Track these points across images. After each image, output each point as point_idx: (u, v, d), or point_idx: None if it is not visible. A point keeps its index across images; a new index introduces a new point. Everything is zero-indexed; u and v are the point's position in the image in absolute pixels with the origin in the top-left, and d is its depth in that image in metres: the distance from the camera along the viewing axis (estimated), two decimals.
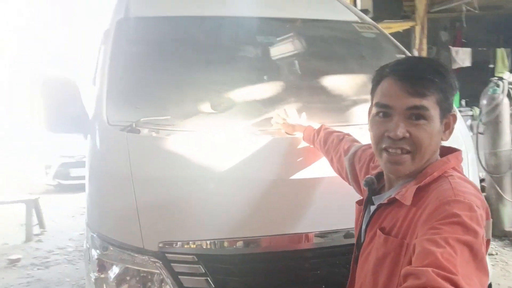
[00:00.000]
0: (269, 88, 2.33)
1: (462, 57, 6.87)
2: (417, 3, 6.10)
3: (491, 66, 7.27)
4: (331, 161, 1.84)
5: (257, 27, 2.69)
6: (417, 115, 1.19)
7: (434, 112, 1.20)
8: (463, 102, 7.35)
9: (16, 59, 9.73)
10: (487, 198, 5.34)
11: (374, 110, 1.28)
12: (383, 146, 1.24)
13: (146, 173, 1.82)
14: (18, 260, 5.35)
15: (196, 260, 1.76)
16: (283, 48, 2.68)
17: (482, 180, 5.51)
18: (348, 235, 1.82)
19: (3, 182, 9.39)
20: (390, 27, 6.48)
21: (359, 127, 2.14)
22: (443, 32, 9.65)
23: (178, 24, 2.60)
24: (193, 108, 2.14)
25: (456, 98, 6.17)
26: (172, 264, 1.76)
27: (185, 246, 1.76)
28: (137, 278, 1.80)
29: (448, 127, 1.28)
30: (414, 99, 1.19)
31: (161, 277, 1.77)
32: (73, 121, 2.14)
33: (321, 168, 1.92)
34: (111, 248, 1.82)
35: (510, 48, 8.25)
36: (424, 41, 6.24)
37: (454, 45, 8.80)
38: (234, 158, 1.89)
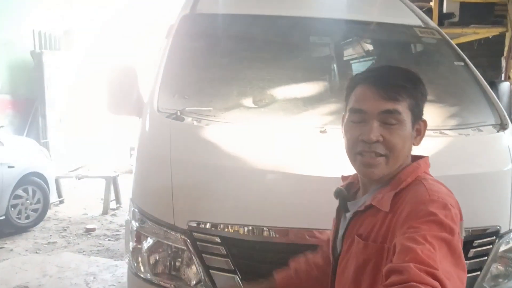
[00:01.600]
0: (314, 88, 2.40)
1: None
2: (509, 7, 5.71)
3: None
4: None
5: (315, 28, 2.76)
6: (390, 119, 1.23)
7: (406, 117, 1.24)
8: None
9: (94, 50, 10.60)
10: None
11: (348, 115, 1.32)
12: (358, 150, 1.27)
13: (183, 157, 1.99)
14: (93, 229, 5.89)
15: (220, 241, 1.89)
16: (338, 50, 2.72)
17: None
18: None
19: (92, 161, 10.26)
20: (477, 33, 6.13)
21: None
22: None
23: (237, 22, 2.73)
24: (235, 101, 2.27)
25: None
26: (198, 242, 1.91)
27: (211, 227, 1.90)
28: (167, 252, 1.98)
29: (419, 133, 1.31)
30: (387, 103, 1.23)
31: (188, 253, 1.93)
32: (131, 105, 2.38)
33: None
34: (148, 222, 2.01)
35: None
36: None
37: None
38: (266, 151, 2.00)
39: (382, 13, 2.97)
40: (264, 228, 1.89)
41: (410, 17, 2.99)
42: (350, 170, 1.89)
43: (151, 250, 2.01)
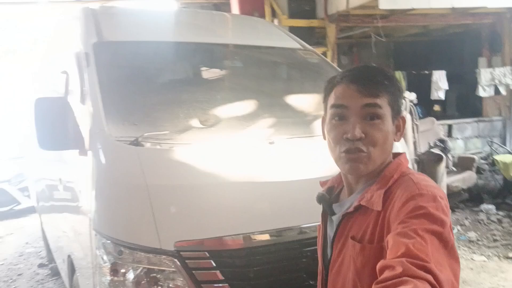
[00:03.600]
0: (244, 106, 2.64)
1: None
2: (328, 31, 6.81)
3: None
4: None
5: (221, 52, 3.01)
6: (371, 114, 1.25)
7: (387, 111, 1.26)
8: None
9: None
10: None
11: (329, 114, 1.31)
12: (343, 149, 1.26)
13: (159, 181, 2.03)
14: None
15: (208, 256, 2.00)
16: (247, 71, 3.02)
17: None
18: None
19: None
20: None
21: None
22: (343, 57, 10.74)
23: (150, 48, 2.80)
24: (184, 124, 2.38)
25: None
26: (186, 261, 1.97)
27: (198, 244, 1.99)
28: (154, 277, 1.98)
29: (399, 129, 1.33)
30: (368, 98, 1.24)
31: (177, 273, 1.98)
32: (67, 138, 2.26)
33: (308, 171, 2.26)
34: (126, 251, 1.98)
35: (405, 71, 9.49)
36: (335, 64, 6.95)
37: None
38: (232, 165, 2.18)
39: (272, 38, 3.38)
40: (247, 234, 2.06)
41: (291, 41, 3.46)
42: (308, 173, 2.22)
43: (136, 279, 1.98)
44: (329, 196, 1.45)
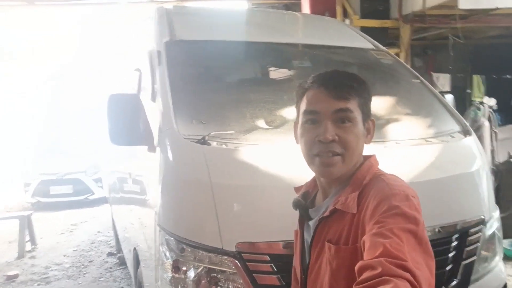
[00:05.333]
0: None
1: (443, 82, 7.42)
2: (401, 32, 6.55)
3: (468, 91, 7.86)
4: None
5: (289, 53, 2.97)
6: (343, 118, 1.28)
7: (358, 115, 1.30)
8: None
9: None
10: None
11: (302, 119, 1.34)
12: (315, 152, 1.30)
13: (223, 180, 2.02)
14: (16, 276, 5.33)
15: (269, 259, 1.96)
16: (316, 71, 2.94)
17: None
18: None
19: None
20: None
21: (395, 142, 2.41)
22: (416, 59, 10.28)
23: (220, 48, 2.82)
24: (251, 124, 2.35)
25: None
26: (247, 263, 1.94)
27: (260, 246, 1.95)
28: (214, 277, 1.98)
29: (369, 132, 1.37)
30: (339, 102, 1.28)
31: (236, 275, 1.96)
32: (137, 135, 2.32)
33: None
34: (188, 249, 1.99)
35: (484, 75, 8.93)
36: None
37: (426, 71, 9.41)
38: (301, 169, 2.11)
39: (345, 38, 3.30)
40: None
41: (363, 42, 3.36)
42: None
43: (196, 277, 1.98)
44: (305, 201, 1.47)
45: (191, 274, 1.98)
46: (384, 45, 6.80)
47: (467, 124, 2.81)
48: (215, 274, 1.98)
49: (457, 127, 2.76)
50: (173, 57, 2.61)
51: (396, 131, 2.55)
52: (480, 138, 5.50)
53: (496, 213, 2.62)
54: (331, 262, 1.26)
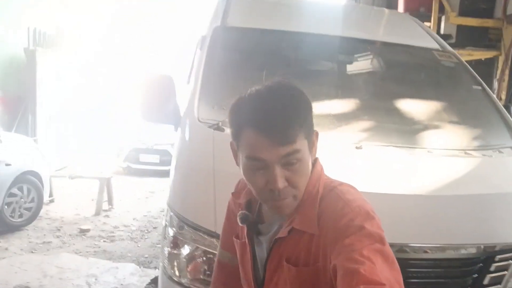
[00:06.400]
0: (343, 104, 2.49)
1: None
2: (504, 33, 5.94)
3: None
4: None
5: (340, 46, 2.86)
6: (291, 160, 1.15)
7: (304, 148, 1.17)
8: None
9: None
10: None
11: (245, 162, 1.19)
12: (266, 197, 1.20)
13: (225, 167, 2.04)
14: (88, 230, 5.86)
15: None
16: (362, 69, 2.82)
17: None
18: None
19: (80, 160, 10.18)
20: (472, 55, 6.34)
21: (427, 150, 2.25)
22: None
23: (268, 37, 2.81)
24: None
25: None
26: None
27: None
28: (205, 258, 2.03)
29: (313, 145, 1.23)
30: (286, 147, 1.13)
31: None
32: (166, 114, 2.43)
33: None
34: (186, 228, 2.06)
35: None
36: (507, 72, 6.05)
37: None
38: None
39: (404, 35, 3.09)
40: None
41: (428, 40, 3.12)
42: (389, 184, 1.99)
43: (189, 255, 2.05)
44: (250, 212, 1.38)
45: (186, 251, 2.05)
46: (481, 47, 6.32)
47: None
48: (208, 255, 2.03)
49: (510, 142, 2.49)
50: (217, 43, 2.66)
51: (433, 138, 2.37)
52: None
53: None
54: (293, 282, 1.23)
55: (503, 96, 6.05)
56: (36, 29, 9.27)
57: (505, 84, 6.03)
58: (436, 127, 2.49)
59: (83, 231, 5.80)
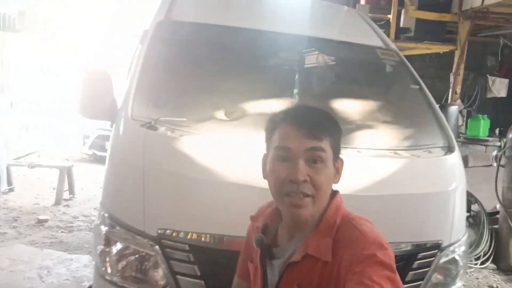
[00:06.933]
0: (275, 102, 2.52)
1: (498, 87, 6.82)
2: (460, 28, 6.08)
3: None
4: None
5: (283, 43, 2.88)
6: (315, 157, 1.26)
7: (329, 155, 1.29)
8: (497, 131, 7.29)
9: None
10: (498, 231, 5.36)
11: (273, 155, 1.32)
12: (286, 191, 1.27)
13: (155, 167, 2.07)
14: (46, 220, 5.80)
15: (188, 249, 2.00)
16: (302, 66, 2.86)
17: (495, 213, 5.53)
18: None
19: (44, 147, 10.00)
20: (430, 48, 6.49)
21: (357, 150, 2.31)
22: (490, 57, 9.52)
23: (212, 32, 2.81)
24: (208, 113, 2.37)
25: (485, 126, 6.12)
26: (166, 249, 2.00)
27: (180, 235, 1.99)
28: (135, 257, 2.06)
29: (338, 171, 1.35)
30: (312, 141, 1.26)
31: (155, 259, 2.02)
32: (103, 110, 2.42)
33: None
34: (117, 227, 2.08)
35: None
36: (462, 66, 6.21)
37: (500, 71, 8.69)
38: (235, 164, 2.11)
39: (348, 32, 3.14)
40: (230, 237, 2.00)
41: (372, 38, 3.18)
42: None
43: (119, 254, 2.07)
44: (265, 235, 1.43)
45: (115, 250, 2.08)
46: (440, 41, 6.46)
47: (454, 140, 2.61)
48: (137, 255, 2.06)
49: (440, 142, 2.58)
50: (158, 37, 2.65)
51: (364, 138, 2.44)
52: None
53: (464, 238, 2.45)
54: None
55: (458, 90, 6.23)
56: None
57: (460, 78, 6.20)
58: (369, 126, 2.56)
59: (40, 222, 5.74)
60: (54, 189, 7.01)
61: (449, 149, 2.54)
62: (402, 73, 3.00)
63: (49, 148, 10.12)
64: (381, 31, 3.32)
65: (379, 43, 3.14)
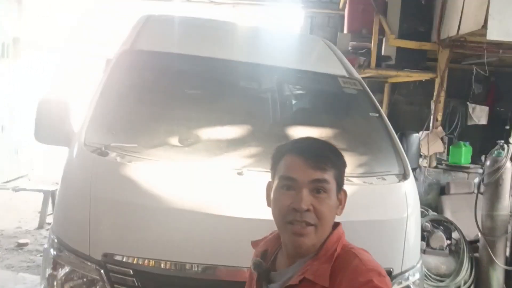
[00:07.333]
0: (238, 131, 2.57)
1: (479, 114, 6.90)
2: (439, 57, 6.18)
3: (507, 127, 7.25)
4: None
5: (242, 72, 2.96)
6: (319, 188, 1.32)
7: (333, 186, 1.35)
8: (483, 158, 7.31)
9: None
10: (478, 260, 5.33)
11: (278, 184, 1.37)
12: (289, 219, 1.31)
13: (102, 193, 2.10)
14: (26, 244, 5.79)
15: (132, 273, 2.02)
16: (263, 95, 2.92)
17: (475, 241, 5.51)
18: None
19: (33, 171, 10.03)
20: (410, 76, 6.58)
21: None
22: (477, 85, 9.61)
23: (173, 61, 2.89)
24: (162, 139, 2.42)
25: (467, 153, 6.11)
26: (111, 273, 2.02)
27: (124, 260, 2.02)
28: (81, 281, 2.08)
29: (341, 203, 1.41)
30: (316, 172, 1.32)
31: (101, 283, 2.04)
32: (60, 136, 2.47)
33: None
34: (65, 251, 2.11)
35: None
36: (443, 93, 6.29)
37: (487, 99, 8.77)
38: (183, 190, 2.15)
39: (311, 61, 3.22)
40: (174, 263, 2.03)
41: (337, 67, 3.25)
42: (263, 211, 2.06)
43: (66, 278, 2.10)
44: (264, 260, 1.47)
45: (62, 274, 2.10)
46: (420, 69, 6.54)
47: (409, 167, 2.64)
48: (83, 279, 2.08)
49: (395, 169, 2.62)
50: (120, 66, 2.73)
51: None
52: (498, 180, 5.08)
53: (418, 265, 2.46)
54: None
55: (439, 117, 6.28)
56: None
57: (441, 106, 6.26)
58: None
59: (20, 245, 5.73)
60: (39, 212, 7.00)
61: (403, 177, 2.57)
62: (362, 101, 3.05)
63: (39, 171, 10.13)
64: (345, 60, 3.40)
65: (342, 72, 3.21)
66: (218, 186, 2.19)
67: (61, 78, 11.25)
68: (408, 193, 2.49)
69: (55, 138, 2.47)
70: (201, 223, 2.07)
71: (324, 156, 1.35)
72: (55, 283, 2.12)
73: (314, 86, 3.10)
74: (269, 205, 1.42)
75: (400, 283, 2.35)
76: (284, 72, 3.04)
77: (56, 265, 2.13)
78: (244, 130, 2.61)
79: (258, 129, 2.64)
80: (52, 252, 2.16)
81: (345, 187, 2.33)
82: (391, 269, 2.28)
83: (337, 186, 1.37)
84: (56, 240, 2.16)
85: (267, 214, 1.99)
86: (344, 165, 1.43)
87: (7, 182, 8.76)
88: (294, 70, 3.06)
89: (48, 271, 2.16)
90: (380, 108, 3.00)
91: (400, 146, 2.77)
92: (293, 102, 3.05)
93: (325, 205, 1.32)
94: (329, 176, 1.33)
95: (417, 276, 2.44)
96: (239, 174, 2.26)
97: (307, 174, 1.31)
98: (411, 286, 2.39)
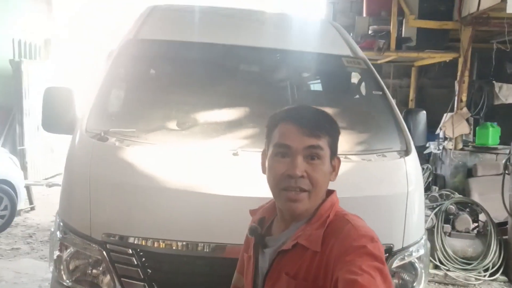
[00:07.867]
0: (234, 113, 2.60)
1: (506, 93, 6.63)
2: (462, 35, 6.00)
3: None
4: None
5: (246, 55, 2.97)
6: (313, 154, 1.33)
7: (326, 152, 1.36)
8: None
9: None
10: (507, 242, 5.17)
11: (272, 151, 1.39)
12: (284, 185, 1.33)
13: (100, 175, 2.19)
14: None
15: (131, 253, 2.10)
16: (267, 78, 2.93)
17: (504, 224, 5.34)
18: None
19: None
20: (433, 57, 6.42)
21: None
22: (509, 64, 9.25)
23: (175, 48, 2.93)
24: (160, 124, 2.48)
25: (495, 133, 5.92)
26: (111, 253, 2.11)
27: (123, 239, 2.10)
28: (85, 261, 2.18)
29: (334, 169, 1.42)
30: (310, 139, 1.33)
31: (103, 262, 2.13)
32: (65, 124, 2.57)
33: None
34: (69, 233, 2.21)
35: None
36: (466, 73, 6.10)
37: None
38: (179, 171, 2.20)
39: (315, 43, 3.19)
40: (171, 241, 2.09)
41: (342, 48, 3.21)
42: (258, 189, 2.08)
43: (71, 258, 2.20)
44: (261, 227, 1.50)
45: (67, 255, 2.20)
46: (442, 49, 6.37)
47: (411, 143, 2.60)
48: (85, 259, 2.17)
49: (397, 146, 2.58)
50: (124, 55, 2.80)
51: None
52: None
53: (421, 241, 2.43)
54: None
55: (464, 98, 6.11)
56: (21, 40, 9.54)
57: (465, 86, 6.08)
58: None
59: None
60: None
61: (405, 153, 2.54)
62: (366, 79, 3.02)
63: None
64: (351, 41, 3.36)
65: (347, 52, 3.17)
66: (213, 166, 2.23)
67: (90, 77, 11.57)
68: (409, 169, 2.46)
69: (60, 127, 2.57)
70: (196, 202, 2.12)
71: (317, 123, 1.36)
72: (61, 265, 2.23)
73: (317, 66, 3.09)
74: (264, 172, 1.44)
75: (403, 259, 2.33)
76: (286, 54, 3.03)
77: (62, 247, 2.24)
78: (241, 112, 2.64)
79: (255, 111, 2.66)
80: (59, 234, 2.27)
81: (342, 165, 2.36)
82: (392, 245, 2.27)
83: (331, 152, 1.38)
84: (61, 223, 2.26)
85: (260, 192, 2.04)
86: (337, 132, 1.43)
87: (45, 179, 9.13)
88: (296, 51, 3.05)
89: (56, 253, 2.27)
90: (384, 86, 2.95)
91: (403, 123, 2.72)
92: (295, 83, 3.04)
93: (319, 171, 1.33)
94: (322, 142, 1.34)
95: (422, 251, 2.40)
96: (235, 154, 2.30)
97: (301, 141, 1.33)
98: (416, 261, 2.37)
